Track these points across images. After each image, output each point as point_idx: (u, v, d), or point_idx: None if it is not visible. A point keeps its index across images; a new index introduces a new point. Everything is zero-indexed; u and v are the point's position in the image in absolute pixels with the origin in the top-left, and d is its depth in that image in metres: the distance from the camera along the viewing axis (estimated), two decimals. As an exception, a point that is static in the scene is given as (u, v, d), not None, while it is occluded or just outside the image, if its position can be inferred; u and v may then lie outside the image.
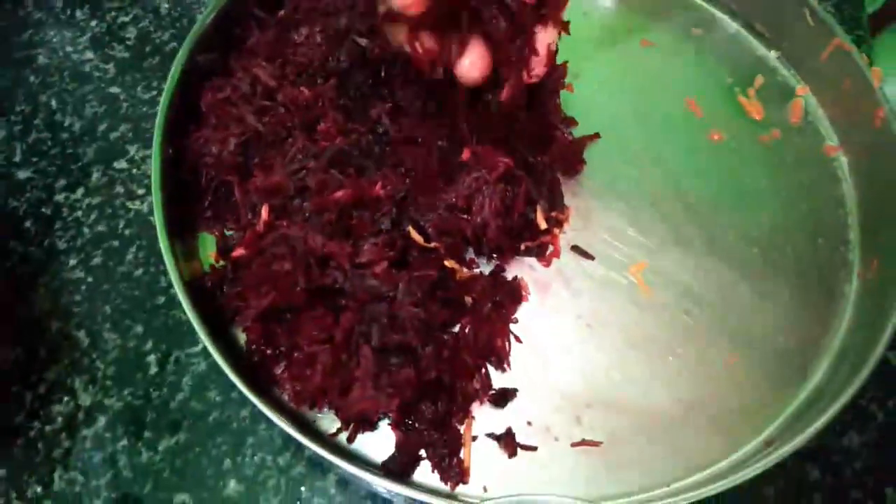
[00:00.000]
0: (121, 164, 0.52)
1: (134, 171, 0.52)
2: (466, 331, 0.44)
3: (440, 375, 0.41)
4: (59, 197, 0.51)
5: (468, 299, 0.45)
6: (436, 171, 0.46)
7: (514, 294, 0.47)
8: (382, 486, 0.37)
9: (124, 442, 0.42)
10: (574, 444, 0.42)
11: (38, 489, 0.41)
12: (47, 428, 0.43)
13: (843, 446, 0.43)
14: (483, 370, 0.44)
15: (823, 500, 0.42)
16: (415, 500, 0.37)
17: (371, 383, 0.39)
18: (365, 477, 0.37)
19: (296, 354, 0.42)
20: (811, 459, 0.43)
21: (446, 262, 0.45)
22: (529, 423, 0.43)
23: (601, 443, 0.42)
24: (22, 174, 0.52)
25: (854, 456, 0.43)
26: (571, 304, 0.47)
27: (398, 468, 0.40)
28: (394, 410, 0.39)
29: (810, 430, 0.38)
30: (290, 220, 0.44)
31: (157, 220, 0.43)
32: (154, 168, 0.44)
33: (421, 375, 0.40)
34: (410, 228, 0.44)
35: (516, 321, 0.46)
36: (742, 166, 0.53)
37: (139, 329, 0.46)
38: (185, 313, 0.40)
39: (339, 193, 0.44)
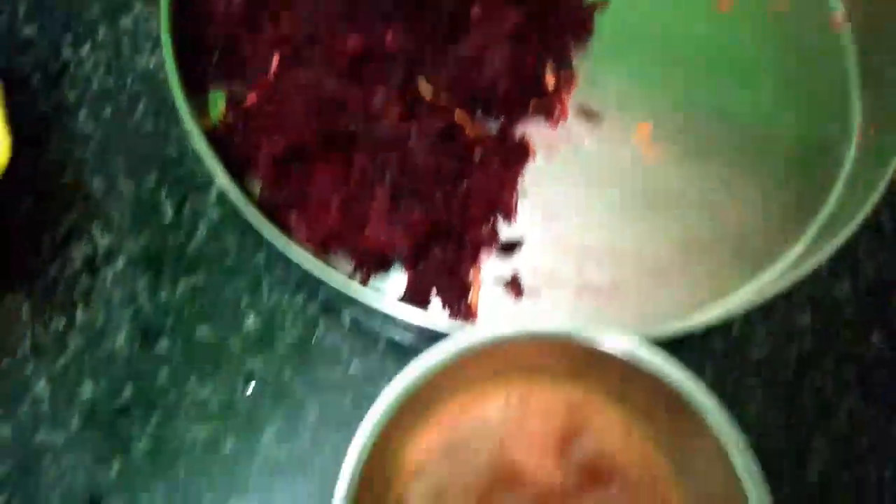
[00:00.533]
0: (126, 20, 0.51)
1: (140, 27, 0.51)
2: (475, 183, 0.45)
3: (450, 222, 0.43)
4: (66, 53, 0.50)
5: (477, 153, 0.46)
6: (445, 27, 0.46)
7: (521, 151, 0.47)
8: (399, 314, 0.38)
9: (144, 282, 0.44)
10: (578, 289, 0.44)
11: (62, 324, 0.43)
12: (67, 269, 0.44)
13: (835, 295, 0.45)
14: (491, 220, 0.45)
15: (813, 342, 0.44)
16: (427, 330, 0.39)
17: (385, 221, 0.40)
18: (381, 307, 0.38)
19: (310, 199, 0.43)
20: (802, 306, 0.45)
21: (456, 117, 0.45)
22: (535, 270, 0.45)
23: (604, 286, 0.44)
24: (27, 31, 0.51)
25: (844, 304, 0.45)
26: (578, 166, 0.48)
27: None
28: (407, 249, 0.41)
29: (800, 273, 0.40)
30: (302, 69, 0.44)
31: (169, 68, 0.43)
32: (163, 18, 0.44)
33: (432, 218, 0.42)
34: (421, 80, 0.45)
35: (523, 177, 0.47)
36: (749, 36, 0.53)
37: (152, 180, 0.46)
38: (198, 164, 0.40)
39: (351, 42, 0.44)
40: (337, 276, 0.38)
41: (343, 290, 0.38)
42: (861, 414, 0.43)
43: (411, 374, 0.32)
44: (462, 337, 0.32)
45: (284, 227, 0.43)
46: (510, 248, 0.45)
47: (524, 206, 0.46)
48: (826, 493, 0.41)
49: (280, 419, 0.41)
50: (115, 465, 0.40)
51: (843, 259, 0.46)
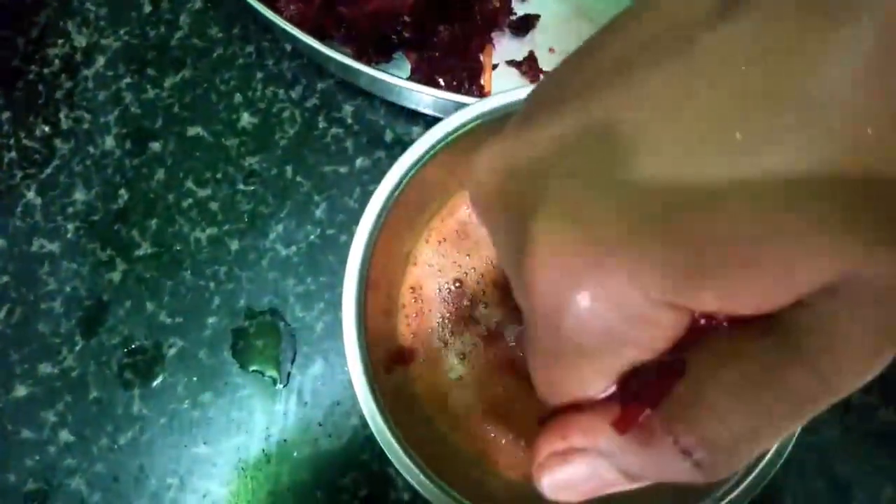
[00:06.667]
0: None
1: None
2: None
3: (456, -10, 0.38)
4: None
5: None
6: None
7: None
8: (407, 87, 0.35)
9: (128, 80, 0.40)
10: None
11: (46, 128, 0.40)
12: (45, 70, 0.41)
13: None
14: (502, -8, 0.40)
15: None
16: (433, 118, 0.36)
17: (383, -22, 0.36)
18: (390, 80, 0.34)
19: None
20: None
21: None
22: (552, 51, 0.40)
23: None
24: None
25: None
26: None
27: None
28: (408, 12, 0.36)
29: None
30: None
31: None
32: None
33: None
34: None
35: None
36: None
37: (127, -27, 0.42)
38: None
39: None
40: (339, 55, 0.35)
41: (353, 64, 0.35)
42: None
43: (413, 155, 0.29)
44: (475, 106, 0.29)
45: (274, 9, 0.39)
46: (525, 24, 0.40)
47: (540, -19, 0.41)
48: None
49: (285, 218, 0.39)
50: (118, 271, 0.38)
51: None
